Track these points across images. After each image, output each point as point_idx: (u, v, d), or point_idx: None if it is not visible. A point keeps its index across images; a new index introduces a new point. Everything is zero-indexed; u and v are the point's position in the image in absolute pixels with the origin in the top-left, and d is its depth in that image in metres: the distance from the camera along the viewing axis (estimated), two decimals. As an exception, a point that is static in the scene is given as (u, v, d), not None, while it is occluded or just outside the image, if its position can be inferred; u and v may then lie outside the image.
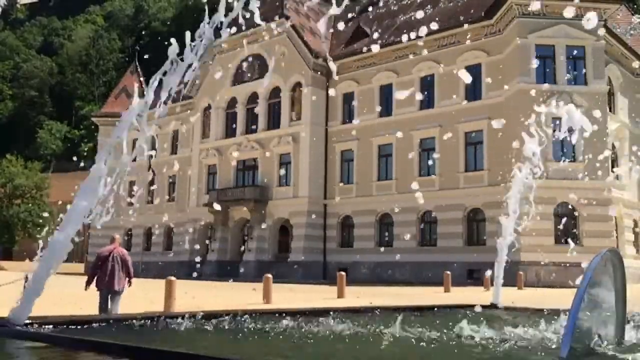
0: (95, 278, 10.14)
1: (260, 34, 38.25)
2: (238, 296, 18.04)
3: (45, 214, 58.15)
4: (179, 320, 5.43)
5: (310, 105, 38.25)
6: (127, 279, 10.30)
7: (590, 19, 6.24)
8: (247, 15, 4.65)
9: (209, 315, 5.70)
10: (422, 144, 34.85)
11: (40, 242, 4.61)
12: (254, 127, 41.11)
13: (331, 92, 36.56)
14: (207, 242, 42.70)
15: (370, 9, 43.96)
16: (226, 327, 5.38)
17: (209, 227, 42.90)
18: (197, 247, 42.97)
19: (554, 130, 7.77)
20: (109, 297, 10.18)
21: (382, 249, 33.57)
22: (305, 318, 5.79)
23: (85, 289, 10.09)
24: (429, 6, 38.01)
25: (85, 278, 10.34)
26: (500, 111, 30.28)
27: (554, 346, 4.34)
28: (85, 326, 4.94)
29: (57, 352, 3.71)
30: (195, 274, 30.47)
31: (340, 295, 18.11)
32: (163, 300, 12.12)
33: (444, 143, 33.17)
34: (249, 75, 41.94)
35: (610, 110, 31.87)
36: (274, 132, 39.87)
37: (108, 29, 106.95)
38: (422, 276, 30.38)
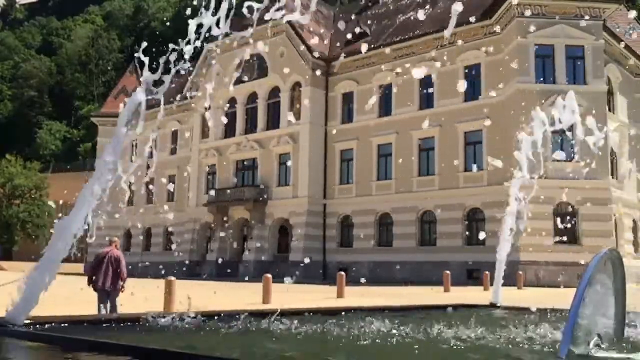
0: (94, 278, 10.50)
1: (259, 33, 38.19)
2: (238, 296, 18.03)
3: (51, 203, 57.91)
4: (179, 319, 5.43)
5: (309, 105, 38.25)
6: (120, 280, 10.57)
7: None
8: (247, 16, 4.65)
9: (209, 315, 5.70)
10: (422, 144, 34.87)
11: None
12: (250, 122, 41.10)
13: (330, 92, 36.61)
14: (205, 241, 42.74)
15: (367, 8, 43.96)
16: (226, 327, 5.38)
17: (209, 227, 42.89)
18: (197, 247, 42.97)
19: (553, 130, 7.78)
20: (107, 297, 10.42)
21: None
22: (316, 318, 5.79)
23: (89, 285, 10.57)
24: (428, 6, 38.02)
25: (83, 278, 10.64)
26: (499, 111, 30.32)
27: (553, 346, 4.34)
28: (84, 326, 4.94)
29: (56, 352, 3.71)
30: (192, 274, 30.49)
31: (340, 295, 18.11)
32: (162, 300, 12.14)
33: (444, 143, 33.22)
34: (248, 75, 41.92)
35: (609, 110, 31.89)
36: (273, 132, 39.87)
37: (107, 28, 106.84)
38: (422, 276, 30.38)
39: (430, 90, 34.05)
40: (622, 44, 32.73)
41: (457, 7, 5.29)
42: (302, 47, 38.96)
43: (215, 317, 5.76)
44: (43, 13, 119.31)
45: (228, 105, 43.50)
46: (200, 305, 6.14)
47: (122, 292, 10.65)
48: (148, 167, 45.43)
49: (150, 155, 46.38)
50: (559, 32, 29.77)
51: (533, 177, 8.32)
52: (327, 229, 37.96)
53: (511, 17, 31.02)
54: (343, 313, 6.43)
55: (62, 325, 4.71)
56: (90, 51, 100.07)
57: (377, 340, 4.64)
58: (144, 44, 4.81)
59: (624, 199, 31.74)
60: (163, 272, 22.29)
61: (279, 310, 5.67)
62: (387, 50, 35.27)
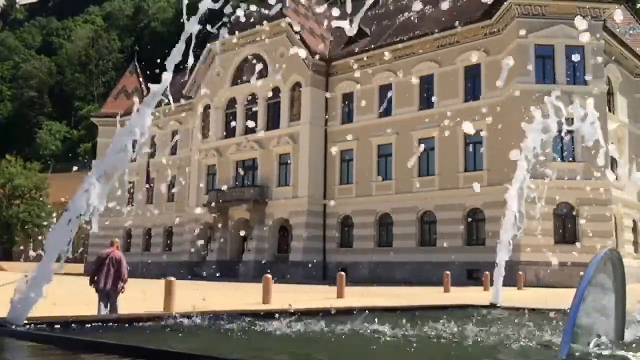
0: (95, 279, 10.53)
1: (259, 34, 38.29)
2: (238, 296, 18.03)
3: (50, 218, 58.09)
4: (179, 320, 5.43)
5: (309, 105, 38.24)
6: (120, 281, 10.61)
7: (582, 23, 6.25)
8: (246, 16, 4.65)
9: (208, 316, 5.70)
10: (422, 144, 34.85)
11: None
12: (253, 126, 41.12)
13: (330, 92, 36.62)
14: (205, 241, 42.73)
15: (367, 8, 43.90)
16: (226, 328, 5.38)
17: (209, 227, 42.89)
18: (197, 247, 42.96)
19: (553, 130, 7.77)
20: (107, 297, 10.46)
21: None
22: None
23: (91, 285, 10.59)
24: (428, 6, 38.02)
25: (83, 278, 10.67)
26: (499, 111, 30.30)
27: (553, 346, 4.34)
28: (84, 326, 4.94)
29: (56, 352, 3.71)
30: (192, 274, 30.50)
31: (340, 295, 18.10)
32: (162, 301, 12.15)
33: (444, 143, 33.20)
34: (248, 75, 41.96)
35: (609, 110, 31.89)
36: (273, 133, 39.87)
37: (107, 29, 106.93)
38: (422, 276, 30.38)
39: (431, 90, 34.07)
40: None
41: (509, 62, 5.46)
42: (302, 48, 38.93)
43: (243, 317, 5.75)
44: (43, 13, 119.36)
45: (228, 105, 43.56)
46: (201, 306, 6.14)
47: (123, 293, 10.69)
48: (148, 167, 45.57)
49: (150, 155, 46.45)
50: (559, 32, 29.75)
51: (533, 177, 8.31)
52: (327, 229, 37.96)
53: (511, 18, 31.02)
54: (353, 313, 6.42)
55: (62, 325, 4.70)
56: (91, 51, 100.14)
57: (367, 342, 4.64)
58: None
59: (624, 199, 31.74)
60: (163, 272, 22.33)
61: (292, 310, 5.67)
62: (387, 50, 35.28)
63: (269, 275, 16.25)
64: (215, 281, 30.05)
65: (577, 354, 3.29)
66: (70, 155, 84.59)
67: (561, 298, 6.11)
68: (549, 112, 7.62)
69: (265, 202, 39.21)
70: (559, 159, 28.38)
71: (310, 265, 34.36)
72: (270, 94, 40.77)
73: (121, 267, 10.59)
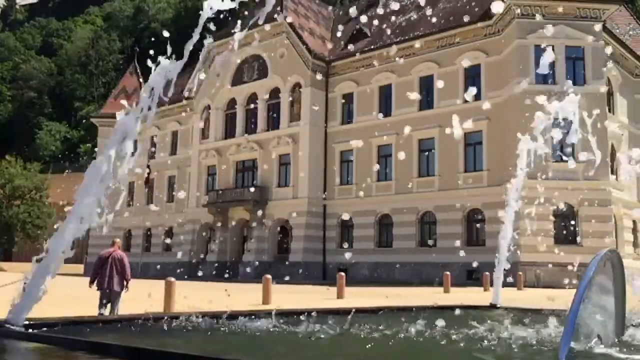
0: (96, 279, 10.50)
1: (259, 34, 38.29)
2: (237, 297, 18.01)
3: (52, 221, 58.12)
4: (179, 320, 5.43)
5: (309, 106, 38.25)
6: (124, 281, 10.58)
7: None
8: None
9: (209, 316, 5.70)
10: (422, 144, 34.86)
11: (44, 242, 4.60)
12: (253, 126, 41.13)
13: (330, 92, 36.62)
14: (205, 241, 42.74)
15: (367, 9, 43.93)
16: (226, 328, 5.38)
17: (209, 227, 42.89)
18: (197, 247, 42.96)
19: (553, 131, 7.78)
20: (109, 297, 10.42)
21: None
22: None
23: (90, 287, 10.55)
24: (428, 7, 38.04)
25: (83, 279, 10.65)
26: (499, 112, 30.33)
27: (553, 346, 4.34)
28: (84, 326, 4.94)
29: (56, 352, 3.71)
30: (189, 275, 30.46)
31: (340, 295, 18.11)
32: (162, 301, 12.14)
33: (444, 143, 33.20)
34: (248, 75, 41.99)
35: (609, 111, 31.90)
36: (273, 133, 39.87)
37: (107, 29, 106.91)
38: (422, 276, 30.38)
39: (431, 90, 34.06)
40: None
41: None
42: (302, 48, 38.96)
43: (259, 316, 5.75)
44: (43, 14, 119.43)
45: (228, 105, 43.56)
46: (197, 306, 6.13)
47: (127, 292, 10.63)
48: (148, 167, 45.56)
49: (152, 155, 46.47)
50: (559, 32, 29.75)
51: (533, 177, 8.32)
52: (327, 229, 37.93)
53: (511, 18, 31.03)
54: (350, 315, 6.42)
55: (62, 325, 4.70)
56: (91, 52, 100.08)
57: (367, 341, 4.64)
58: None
59: (624, 199, 31.73)
60: (163, 272, 22.31)
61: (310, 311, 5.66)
62: (387, 51, 35.29)
63: (269, 276, 16.26)
64: (215, 282, 30.04)
65: (576, 354, 3.29)
66: (70, 156, 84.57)
67: (561, 298, 6.11)
68: (549, 112, 7.63)
69: (265, 203, 39.19)
70: (559, 159, 28.38)
71: (309, 265, 34.36)
72: (270, 95, 40.80)
73: (124, 266, 10.54)
